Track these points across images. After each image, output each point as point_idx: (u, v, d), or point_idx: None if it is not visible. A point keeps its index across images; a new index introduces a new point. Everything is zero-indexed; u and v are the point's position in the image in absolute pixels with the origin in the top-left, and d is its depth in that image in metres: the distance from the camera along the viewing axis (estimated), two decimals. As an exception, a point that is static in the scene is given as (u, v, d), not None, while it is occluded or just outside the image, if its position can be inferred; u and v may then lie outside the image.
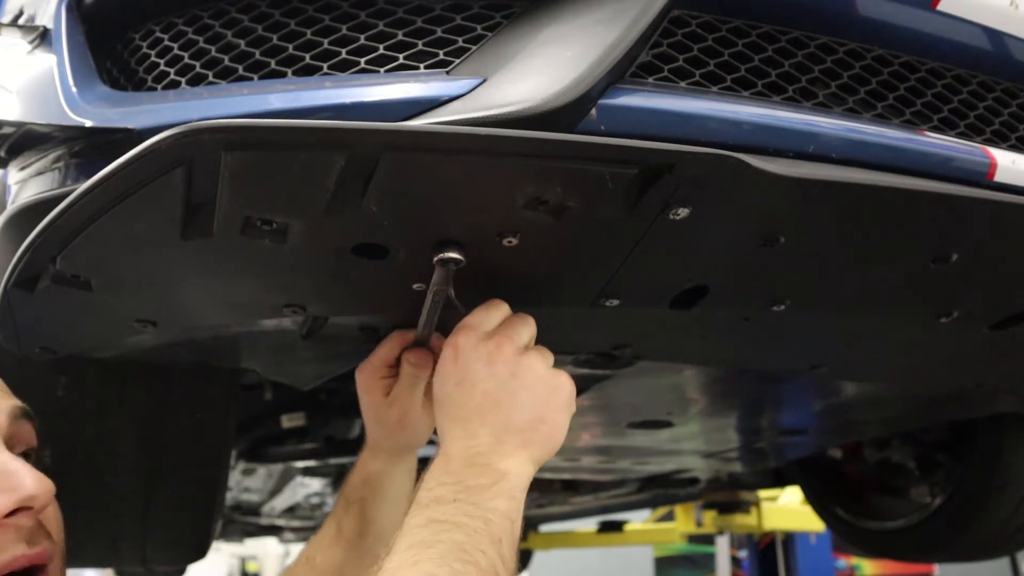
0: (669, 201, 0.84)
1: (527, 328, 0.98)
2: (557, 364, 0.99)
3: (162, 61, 0.96)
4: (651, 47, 0.91)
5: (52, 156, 0.99)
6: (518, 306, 0.99)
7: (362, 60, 0.90)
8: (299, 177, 0.78)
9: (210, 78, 0.93)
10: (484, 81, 0.86)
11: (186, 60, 0.95)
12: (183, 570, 1.95)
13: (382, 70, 0.89)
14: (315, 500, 3.30)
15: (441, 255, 0.87)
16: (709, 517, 3.71)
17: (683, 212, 0.85)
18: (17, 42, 1.04)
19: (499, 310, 0.97)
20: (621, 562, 6.43)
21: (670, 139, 0.84)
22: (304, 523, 3.76)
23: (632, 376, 1.43)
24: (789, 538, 3.80)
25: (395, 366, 1.12)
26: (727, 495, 3.51)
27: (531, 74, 0.85)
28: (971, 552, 2.34)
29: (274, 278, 0.97)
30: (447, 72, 0.88)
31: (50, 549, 0.87)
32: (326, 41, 0.91)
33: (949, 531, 2.26)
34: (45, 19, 1.03)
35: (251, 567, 10.55)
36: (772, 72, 0.96)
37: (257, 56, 0.92)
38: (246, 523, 3.73)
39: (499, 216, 0.85)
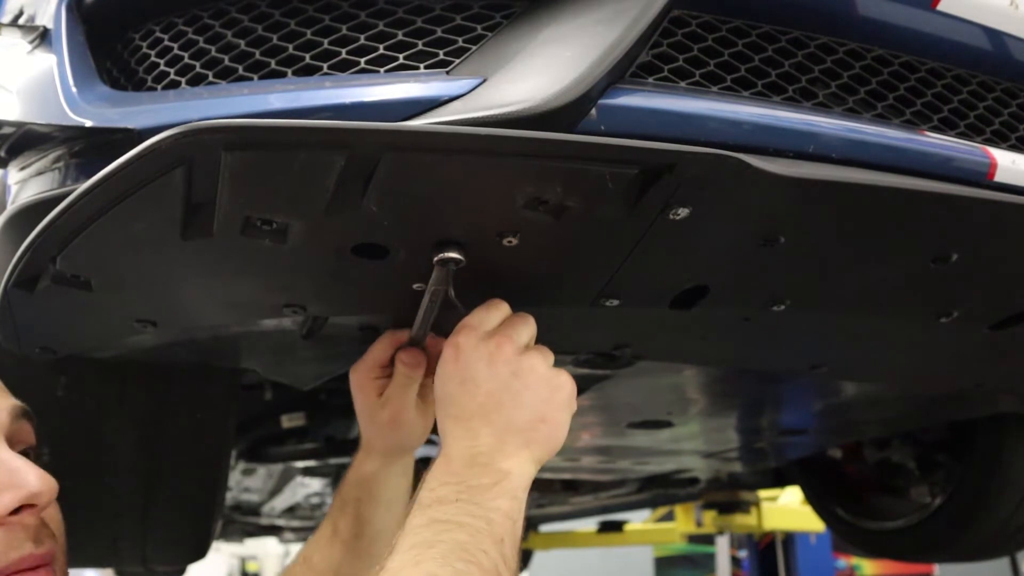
0: (669, 201, 0.84)
1: (527, 328, 0.98)
2: (557, 364, 0.99)
3: (162, 61, 0.96)
4: (651, 47, 0.91)
5: (52, 156, 0.99)
6: (518, 306, 0.99)
7: (362, 60, 0.90)
8: (299, 177, 0.78)
9: (210, 78, 0.93)
10: (484, 81, 0.86)
11: (186, 60, 0.95)
12: (183, 570, 1.95)
13: (382, 70, 0.89)
14: (315, 500, 3.30)
15: (441, 255, 0.87)
16: (709, 517, 3.71)
17: (683, 212, 0.85)
18: (17, 42, 1.04)
19: (499, 310, 0.97)
20: (621, 562, 6.43)
21: (670, 139, 0.84)
22: (304, 523, 3.76)
23: (632, 376, 1.43)
24: (789, 538, 3.80)
25: (389, 366, 1.12)
26: (727, 495, 3.51)
27: (531, 74, 0.85)
28: (971, 552, 2.34)
29: (274, 278, 0.97)
30: (447, 72, 0.88)
31: (54, 548, 0.88)
32: (326, 41, 0.91)
33: (949, 531, 2.26)
34: (45, 19, 1.03)
35: (251, 567, 10.56)
36: (772, 72, 0.96)
37: (257, 56, 0.92)
38: (246, 523, 3.73)
39: (499, 216, 0.85)
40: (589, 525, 4.70)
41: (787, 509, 3.80)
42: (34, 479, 0.85)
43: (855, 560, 5.25)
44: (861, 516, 2.58)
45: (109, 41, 1.01)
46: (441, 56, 0.89)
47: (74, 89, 0.95)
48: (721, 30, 0.95)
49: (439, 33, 0.90)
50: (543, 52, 0.87)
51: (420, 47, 0.90)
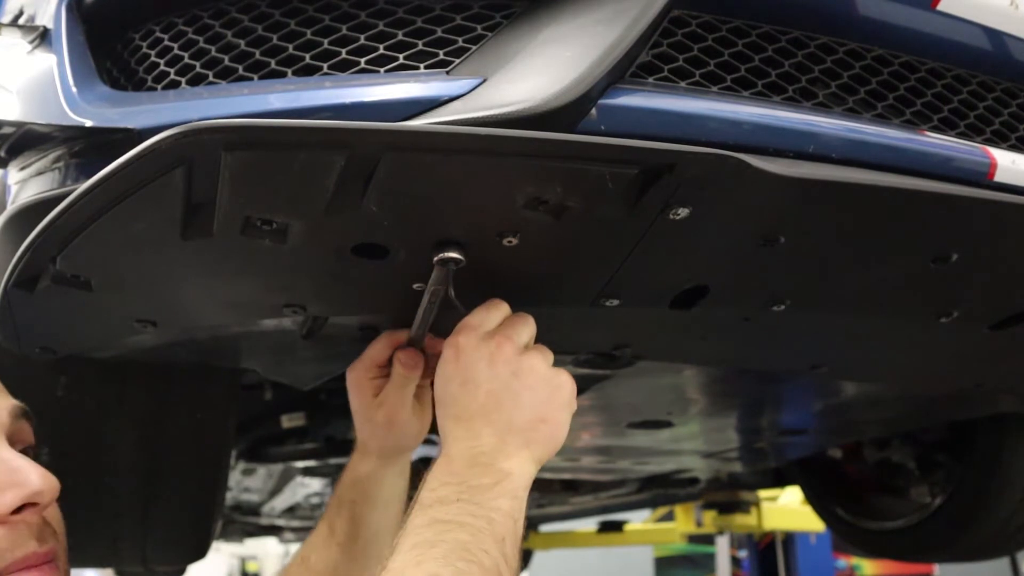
0: (669, 201, 0.84)
1: (527, 328, 0.98)
2: (557, 364, 0.99)
3: (162, 61, 0.96)
4: (651, 47, 0.91)
5: (52, 156, 0.99)
6: (518, 306, 0.99)
7: (362, 60, 0.90)
8: (299, 177, 0.78)
9: (210, 78, 0.93)
10: (484, 81, 0.86)
11: (186, 60, 0.95)
12: (183, 570, 1.95)
13: (382, 70, 0.89)
14: (315, 500, 3.30)
15: (441, 255, 0.87)
16: (709, 517, 3.71)
17: (683, 212, 0.85)
18: (17, 42, 1.04)
19: (499, 310, 0.97)
20: (621, 562, 6.43)
21: (670, 139, 0.84)
22: (304, 523, 3.76)
23: (632, 376, 1.43)
24: (789, 538, 3.80)
25: (386, 366, 1.11)
26: (727, 495, 3.51)
27: (531, 74, 0.85)
28: (971, 552, 2.34)
29: (274, 278, 0.97)
30: (447, 72, 0.88)
31: (56, 547, 0.88)
32: (326, 41, 0.91)
33: (949, 531, 2.26)
34: (45, 19, 1.03)
35: (251, 567, 10.56)
36: (772, 72, 0.96)
37: (257, 56, 0.92)
38: (246, 523, 3.73)
39: (499, 216, 0.85)
40: (589, 525, 4.70)
41: (787, 509, 3.80)
42: (36, 478, 0.85)
43: (855, 560, 5.25)
44: (861, 516, 2.58)
45: (109, 41, 1.01)
46: (441, 56, 0.89)
47: (74, 89, 0.95)
48: (721, 30, 0.95)
49: (439, 33, 0.90)
50: (543, 52, 0.87)
51: (420, 47, 0.90)
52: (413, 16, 0.91)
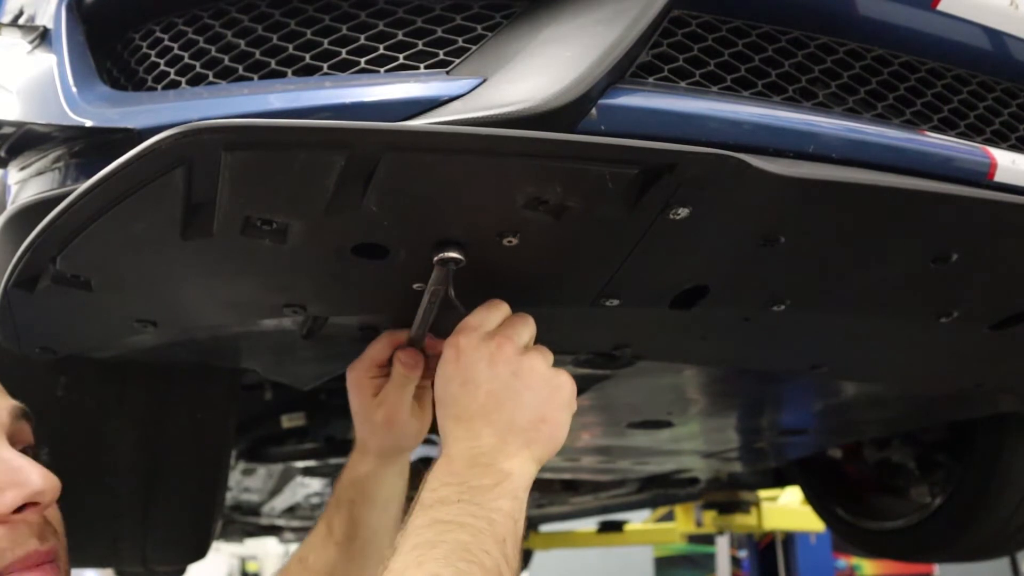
0: (669, 201, 0.84)
1: (527, 328, 0.98)
2: (557, 364, 0.99)
3: (162, 61, 0.96)
4: (651, 47, 0.91)
5: (52, 156, 0.99)
6: (518, 306, 0.99)
7: (362, 60, 0.90)
8: (299, 177, 0.78)
9: (210, 78, 0.93)
10: (484, 81, 0.86)
11: (186, 60, 0.95)
12: (183, 570, 1.95)
13: (382, 70, 0.89)
14: (315, 500, 3.30)
15: (441, 255, 0.87)
16: (709, 517, 3.71)
17: (683, 212, 0.85)
18: (17, 42, 1.04)
19: (499, 310, 0.97)
20: (621, 562, 6.43)
21: (670, 139, 0.84)
22: (304, 523, 3.76)
23: (632, 376, 1.43)
24: (789, 538, 3.80)
25: (386, 366, 1.11)
26: (727, 495, 3.51)
27: (531, 74, 0.85)
28: (971, 552, 2.34)
29: (274, 278, 0.97)
30: (447, 72, 0.88)
31: (57, 546, 0.88)
32: (326, 41, 0.91)
33: (949, 531, 2.26)
34: (45, 19, 1.03)
35: (251, 567, 10.57)
36: (772, 72, 0.96)
37: (257, 56, 0.92)
38: (246, 523, 3.73)
39: (499, 216, 0.85)
40: (589, 525, 4.70)
41: (787, 509, 3.80)
42: (37, 477, 0.85)
43: (855, 560, 5.25)
44: (861, 516, 2.58)
45: (109, 41, 1.01)
46: (441, 56, 0.89)
47: (74, 89, 0.95)
48: (721, 30, 0.95)
49: (439, 33, 0.90)
50: (543, 52, 0.87)
51: (420, 47, 0.90)
52: (413, 16, 0.91)
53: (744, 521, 3.59)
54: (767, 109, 0.93)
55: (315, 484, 2.93)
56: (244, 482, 2.91)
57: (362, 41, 0.90)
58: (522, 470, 0.91)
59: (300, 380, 1.38)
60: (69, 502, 0.92)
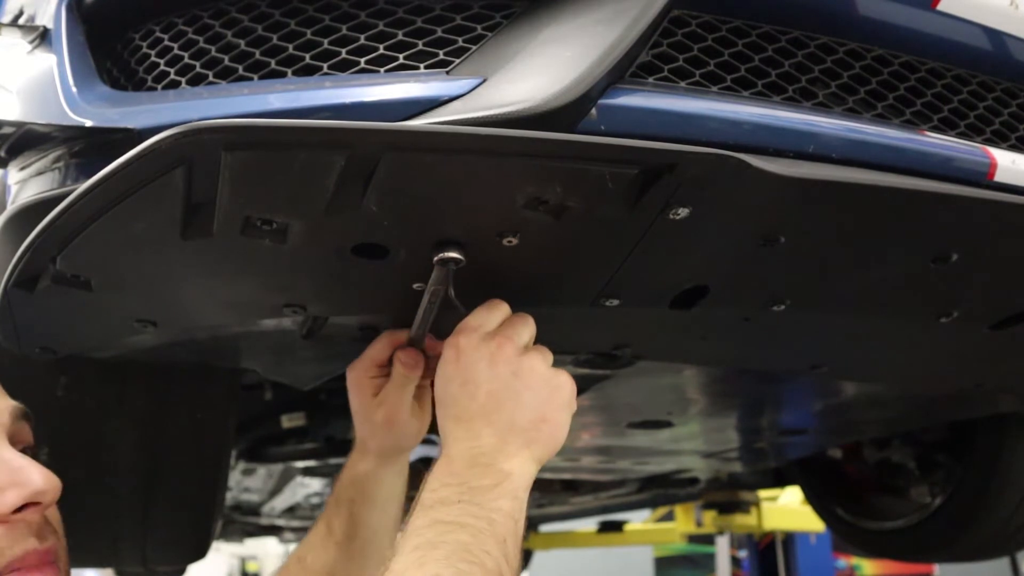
0: (669, 201, 0.84)
1: (527, 328, 0.98)
2: (557, 364, 0.99)
3: (162, 61, 0.96)
4: (651, 47, 0.91)
5: (52, 156, 0.99)
6: (518, 306, 0.99)
7: (362, 60, 0.90)
8: (299, 177, 0.78)
9: (210, 78, 0.93)
10: (484, 81, 0.86)
11: (186, 60, 0.95)
12: (183, 570, 1.95)
13: (382, 70, 0.89)
14: (315, 500, 3.30)
15: (441, 255, 0.87)
16: (709, 517, 3.71)
17: (683, 212, 0.85)
18: (17, 42, 1.04)
19: (499, 310, 0.97)
20: (621, 562, 6.43)
21: (670, 139, 0.84)
22: (304, 523, 3.76)
23: (632, 376, 1.43)
24: (789, 538, 3.80)
25: (386, 366, 1.12)
26: (727, 495, 3.51)
27: (531, 74, 0.85)
28: (971, 552, 2.34)
29: (274, 278, 0.97)
30: (447, 72, 0.88)
31: (57, 545, 0.88)
32: (326, 41, 0.91)
33: (949, 531, 2.26)
34: (45, 19, 1.03)
35: (251, 567, 10.56)
36: (772, 72, 0.96)
37: (257, 56, 0.92)
38: (246, 523, 3.73)
39: (499, 216, 0.85)
40: (589, 525, 4.70)
41: (787, 509, 3.80)
42: (38, 477, 0.85)
43: (855, 560, 5.25)
44: (861, 516, 2.58)
45: (109, 41, 1.01)
46: (441, 56, 0.89)
47: (74, 89, 0.95)
48: (721, 30, 0.95)
49: (439, 33, 0.90)
50: (543, 52, 0.87)
51: (420, 47, 0.90)
52: (413, 16, 0.91)
53: (744, 521, 3.59)
54: (767, 109, 0.93)
55: (315, 484, 2.93)
56: (244, 482, 2.91)
57: (362, 41, 0.90)
58: (522, 470, 0.91)
59: (300, 380, 1.38)
60: (69, 502, 0.92)
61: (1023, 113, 1.09)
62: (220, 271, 0.95)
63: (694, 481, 3.18)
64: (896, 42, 1.02)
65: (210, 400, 1.49)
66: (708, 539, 4.39)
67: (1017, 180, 1.00)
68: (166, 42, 0.97)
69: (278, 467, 2.58)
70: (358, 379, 1.13)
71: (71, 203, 0.83)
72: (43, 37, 1.02)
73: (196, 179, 0.79)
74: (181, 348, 1.18)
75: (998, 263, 1.06)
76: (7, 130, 1.02)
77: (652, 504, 4.05)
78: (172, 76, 0.95)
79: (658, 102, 0.88)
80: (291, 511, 3.48)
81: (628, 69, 0.88)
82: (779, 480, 3.09)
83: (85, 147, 0.96)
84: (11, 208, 1.03)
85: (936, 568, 5.23)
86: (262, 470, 2.68)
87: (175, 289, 1.00)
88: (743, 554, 4.04)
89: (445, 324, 0.98)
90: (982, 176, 0.99)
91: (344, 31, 0.91)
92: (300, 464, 2.43)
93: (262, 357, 1.29)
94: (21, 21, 1.11)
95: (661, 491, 3.28)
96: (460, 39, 0.90)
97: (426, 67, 0.89)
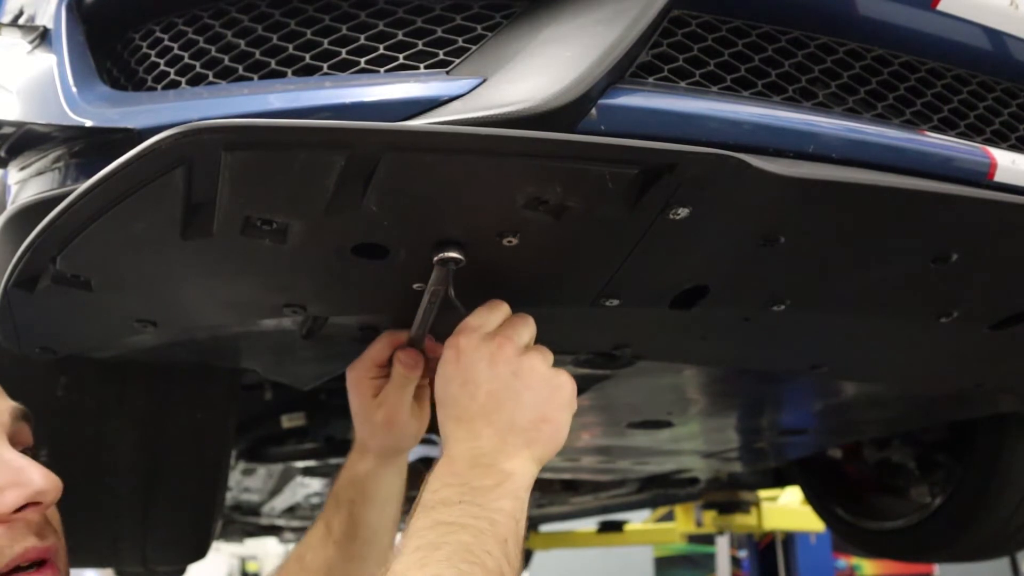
0: (669, 201, 0.84)
1: (527, 328, 0.98)
2: (557, 364, 0.99)
3: (162, 61, 0.96)
4: (651, 47, 0.91)
5: (52, 156, 0.99)
6: (518, 306, 0.99)
7: (362, 60, 0.90)
8: (299, 177, 0.78)
9: (210, 78, 0.93)
10: (484, 81, 0.86)
11: (186, 60, 0.95)
12: (183, 570, 1.95)
13: (382, 70, 0.89)
14: (315, 500, 3.30)
15: (441, 255, 0.87)
16: (709, 517, 3.71)
17: (683, 212, 0.85)
18: (17, 42, 1.04)
19: (499, 310, 0.97)
20: (621, 562, 6.43)
21: (670, 139, 0.84)
22: (304, 523, 3.76)
23: (632, 376, 1.43)
24: (789, 538, 3.80)
25: (386, 366, 1.12)
26: (727, 495, 3.51)
27: (531, 74, 0.85)
28: (971, 552, 2.34)
29: (274, 278, 0.97)
30: (447, 72, 0.88)
31: (57, 544, 0.88)
32: (326, 41, 0.91)
33: (949, 531, 2.26)
34: (45, 19, 1.03)
35: (251, 567, 10.56)
36: (772, 72, 0.96)
37: (257, 56, 0.92)
38: (246, 523, 3.73)
39: (499, 216, 0.85)
40: (589, 525, 4.70)
41: (787, 509, 3.80)
42: (39, 477, 0.86)
43: (855, 560, 5.25)
44: (861, 516, 2.58)
45: (109, 41, 1.01)
46: (441, 56, 0.89)
47: (74, 89, 0.95)
48: (721, 30, 0.95)
49: (439, 33, 0.90)
50: (543, 52, 0.87)
51: (420, 47, 0.90)
52: (413, 16, 0.91)
53: (744, 521, 3.59)
54: (767, 109, 0.93)
55: (315, 484, 2.93)
56: (244, 482, 2.91)
57: (362, 41, 0.90)
58: (523, 470, 0.91)
59: (300, 380, 1.38)
60: (69, 502, 0.92)
61: (1023, 113, 1.09)
62: (220, 271, 0.95)
63: (694, 481, 3.18)
64: (896, 42, 1.02)
65: (210, 400, 1.49)
66: (708, 539, 4.40)
67: (1017, 180, 1.00)
68: (166, 42, 0.97)
69: (278, 467, 2.58)
70: (358, 379, 1.13)
71: (71, 203, 0.83)
72: (43, 37, 1.02)
73: (196, 179, 0.79)
74: (181, 348, 1.18)
75: (998, 263, 1.06)
76: (7, 130, 1.02)
77: (652, 504, 4.05)
78: (172, 76, 0.95)
79: (658, 102, 0.88)
80: (291, 511, 3.48)
81: (628, 69, 0.88)
82: (779, 480, 3.09)
83: (85, 147, 0.96)
84: (11, 208, 1.03)
85: (936, 568, 5.23)
86: (262, 470, 2.68)
87: (175, 289, 1.00)
88: (743, 554, 4.04)
89: (445, 324, 0.98)
90: (982, 176, 0.99)
91: (344, 31, 0.91)
92: (300, 464, 2.43)
93: (262, 357, 1.29)
94: (21, 21, 1.11)
95: (661, 491, 3.28)
96: (460, 39, 0.90)
97: (426, 67, 0.89)
